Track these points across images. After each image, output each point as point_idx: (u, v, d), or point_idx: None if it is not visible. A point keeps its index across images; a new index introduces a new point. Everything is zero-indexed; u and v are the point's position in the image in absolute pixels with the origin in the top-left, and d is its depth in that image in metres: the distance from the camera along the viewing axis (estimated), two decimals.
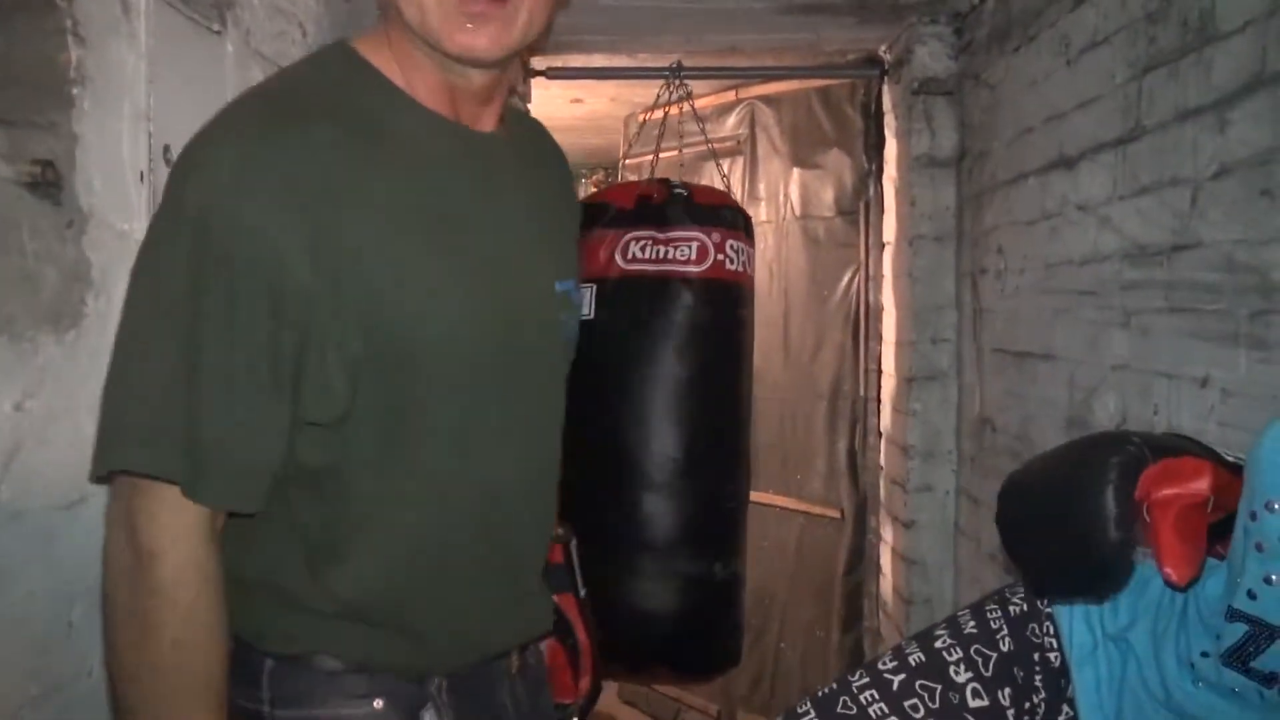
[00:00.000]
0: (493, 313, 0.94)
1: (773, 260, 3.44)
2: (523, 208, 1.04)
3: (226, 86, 1.38)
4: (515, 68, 1.30)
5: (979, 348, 2.44)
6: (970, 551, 2.52)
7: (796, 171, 3.40)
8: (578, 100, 3.93)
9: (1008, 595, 0.98)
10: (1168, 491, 0.76)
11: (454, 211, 0.93)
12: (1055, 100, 1.94)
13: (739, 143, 3.58)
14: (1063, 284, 1.90)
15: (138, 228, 1.14)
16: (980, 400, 2.43)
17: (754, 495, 2.59)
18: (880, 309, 3.00)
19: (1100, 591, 0.86)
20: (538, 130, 1.25)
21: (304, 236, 0.80)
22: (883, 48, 2.91)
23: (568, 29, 2.78)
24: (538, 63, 3.06)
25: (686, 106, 2.83)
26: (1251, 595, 0.75)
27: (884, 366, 2.97)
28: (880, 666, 0.97)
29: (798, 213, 3.40)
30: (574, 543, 1.27)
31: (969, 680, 0.93)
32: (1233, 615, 0.76)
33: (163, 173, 1.18)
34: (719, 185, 3.41)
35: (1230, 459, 0.82)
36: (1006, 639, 0.95)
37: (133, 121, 1.13)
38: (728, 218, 2.25)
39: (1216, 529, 0.79)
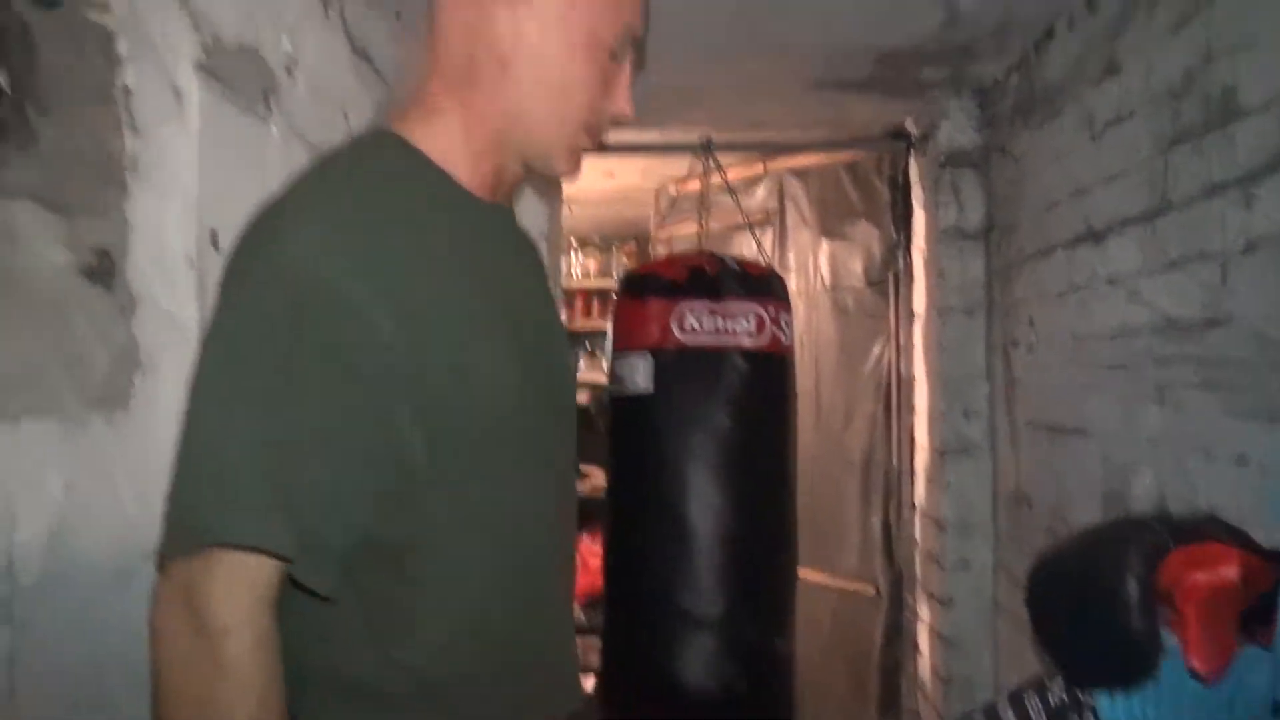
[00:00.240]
0: (537, 386, 0.96)
1: (803, 331, 3.45)
2: (535, 279, 1.10)
3: (271, 170, 1.43)
4: None
5: (1012, 420, 2.42)
6: (1010, 629, 2.46)
7: (825, 243, 3.43)
8: (609, 174, 4.02)
9: (1047, 684, 0.96)
10: (1194, 579, 0.75)
11: (501, 286, 0.97)
12: (1081, 174, 1.96)
13: (768, 214, 3.63)
14: (1094, 357, 1.90)
15: (185, 309, 1.18)
16: (1015, 474, 2.40)
17: None
18: (911, 380, 2.99)
19: (1129, 679, 0.84)
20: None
21: (390, 308, 0.82)
22: (908, 121, 2.95)
23: None
24: None
25: (716, 179, 2.88)
26: None
27: (916, 438, 2.95)
28: None
29: (827, 283, 3.42)
30: None
31: None
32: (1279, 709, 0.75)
33: (210, 255, 1.23)
34: (751, 255, 3.47)
35: (1266, 547, 0.80)
36: None
37: (183, 207, 1.18)
38: (778, 290, 2.28)
39: (1251, 615, 0.77)
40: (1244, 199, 1.39)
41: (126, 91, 1.06)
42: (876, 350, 3.23)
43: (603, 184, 4.19)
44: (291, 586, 0.81)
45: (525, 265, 1.09)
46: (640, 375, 2.11)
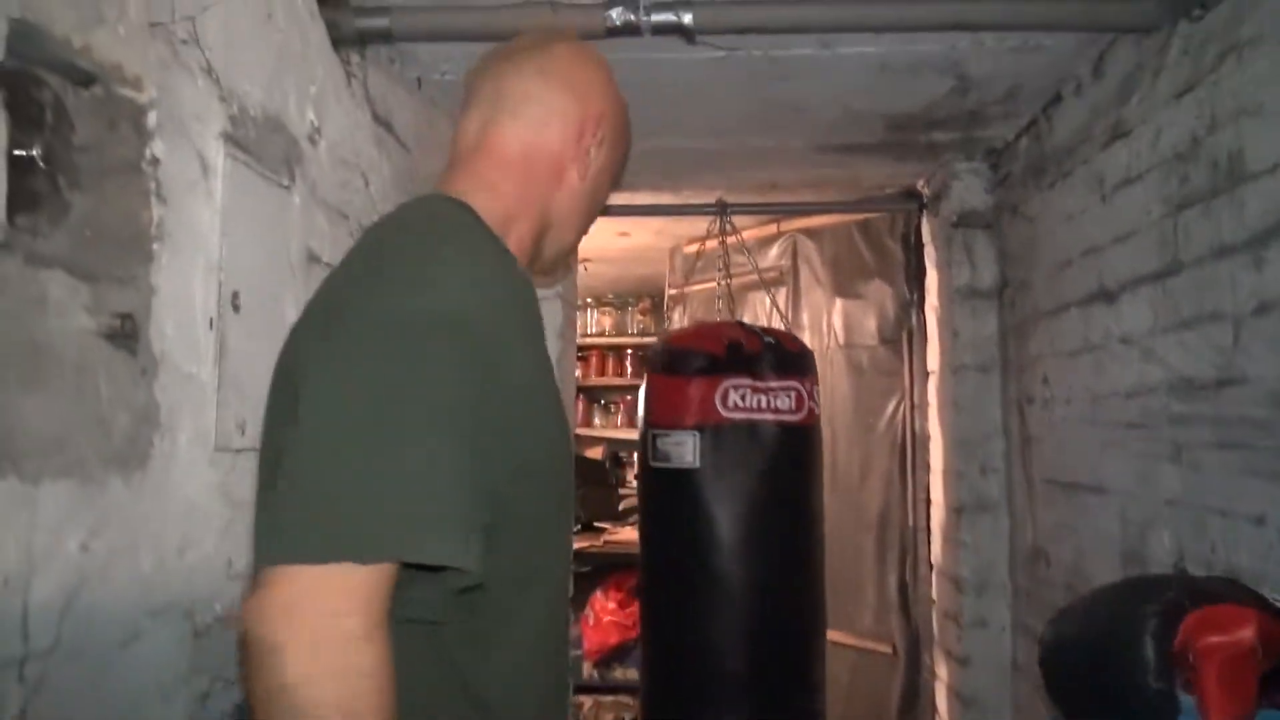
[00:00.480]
0: (567, 440, 1.07)
1: None
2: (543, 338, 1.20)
3: (292, 235, 1.47)
4: None
5: (1029, 478, 2.40)
6: (1029, 689, 2.41)
7: (839, 301, 3.45)
8: (624, 234, 4.07)
9: None
10: (1212, 640, 0.74)
11: (542, 344, 1.07)
12: (1093, 234, 1.98)
13: (782, 273, 3.66)
14: (1110, 415, 1.89)
15: (204, 370, 1.20)
16: (1033, 532, 2.38)
17: None
18: (927, 437, 2.98)
19: None
20: None
21: (509, 353, 0.90)
22: (920, 182, 2.99)
23: None
24: None
25: (730, 239, 2.91)
26: None
27: (932, 496, 2.93)
28: None
29: (841, 341, 3.43)
30: None
31: None
32: None
33: (231, 318, 1.26)
34: (764, 313, 3.49)
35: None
36: None
37: (205, 272, 1.21)
38: (811, 365, 2.40)
39: (1269, 678, 0.76)
40: (1254, 261, 1.40)
41: (155, 162, 1.10)
42: (891, 408, 3.23)
43: (618, 243, 4.24)
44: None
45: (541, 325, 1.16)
46: (688, 451, 2.23)
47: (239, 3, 1.30)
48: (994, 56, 1.98)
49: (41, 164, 0.92)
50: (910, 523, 3.10)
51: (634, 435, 5.44)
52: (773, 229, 3.70)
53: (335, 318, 0.88)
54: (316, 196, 1.55)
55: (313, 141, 1.53)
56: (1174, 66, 1.64)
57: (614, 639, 3.65)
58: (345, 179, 1.66)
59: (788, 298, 3.62)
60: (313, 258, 1.52)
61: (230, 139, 1.26)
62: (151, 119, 1.09)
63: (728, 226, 2.92)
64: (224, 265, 1.25)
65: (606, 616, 3.72)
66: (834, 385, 3.43)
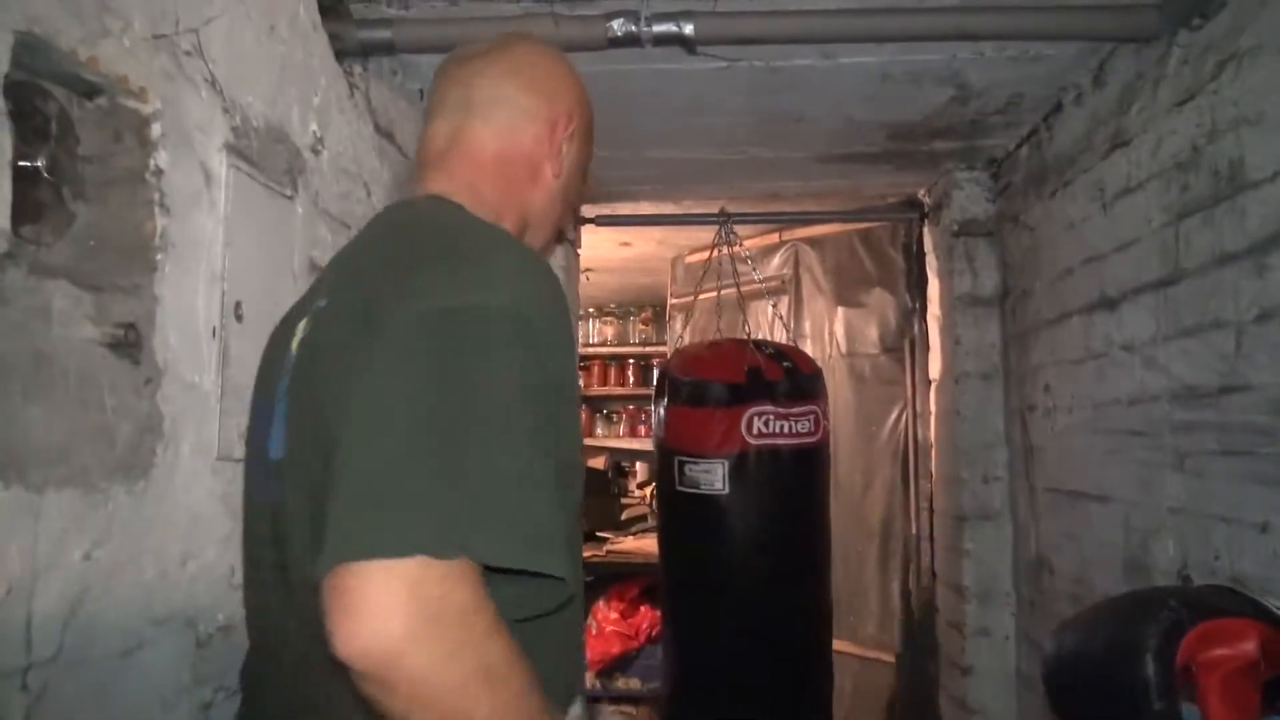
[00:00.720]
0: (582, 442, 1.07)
1: None
2: None
3: (295, 245, 1.47)
4: None
5: (1031, 486, 2.40)
6: (1032, 698, 2.41)
7: (841, 310, 3.45)
8: (626, 243, 4.07)
9: None
10: (1214, 654, 0.74)
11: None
12: (1094, 243, 1.98)
13: (783, 282, 3.66)
14: (1113, 423, 1.89)
15: (206, 380, 1.20)
16: (1035, 540, 2.37)
17: None
18: (929, 446, 2.98)
19: None
20: None
21: (560, 352, 0.90)
22: (921, 191, 2.99)
23: (618, 179, 2.92)
24: (589, 210, 3.20)
25: (732, 248, 2.92)
26: None
27: (935, 504, 2.93)
28: None
29: (843, 350, 3.43)
30: None
31: None
32: None
33: (234, 328, 1.26)
34: (766, 323, 3.49)
35: None
36: None
37: (208, 282, 1.21)
38: (824, 386, 2.53)
39: (1272, 688, 0.76)
40: (1256, 269, 1.40)
41: (159, 173, 1.10)
42: (893, 417, 3.23)
43: (620, 253, 4.24)
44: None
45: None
46: (717, 479, 2.35)
47: (242, 15, 1.31)
48: (994, 66, 1.99)
49: (46, 175, 0.93)
50: (913, 531, 3.10)
51: (635, 445, 5.46)
52: (774, 238, 3.71)
53: (391, 317, 0.83)
54: (319, 207, 1.55)
55: (315, 152, 1.54)
56: (1174, 76, 1.65)
57: (616, 649, 3.64)
58: (347, 189, 1.67)
59: (790, 307, 3.63)
60: (315, 267, 1.52)
61: (233, 150, 1.27)
62: (155, 130, 1.10)
63: (730, 236, 2.92)
64: (227, 275, 1.25)
65: (609, 626, 3.71)
66: (836, 394, 3.42)
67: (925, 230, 3.00)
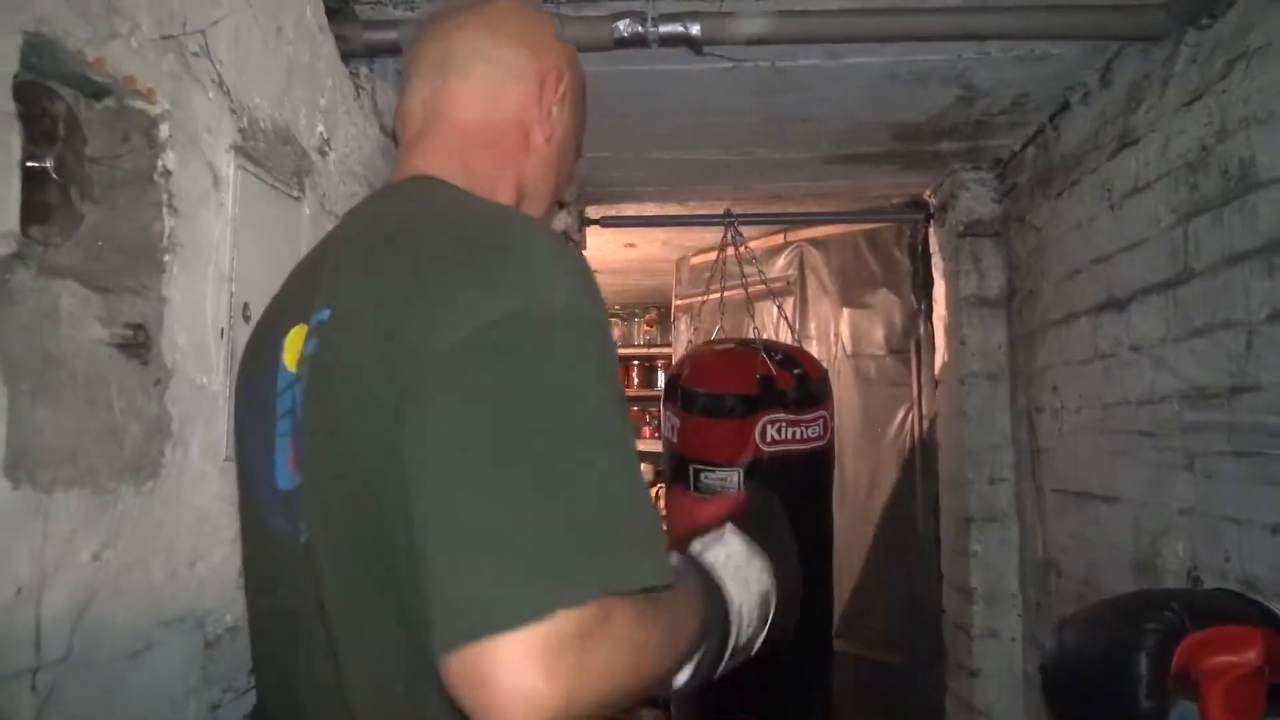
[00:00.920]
0: None
1: None
2: None
3: (302, 246, 1.47)
4: None
5: (1038, 488, 2.39)
6: (1040, 700, 2.40)
7: (846, 311, 3.45)
8: (631, 244, 4.07)
9: None
10: (1217, 662, 0.74)
11: None
12: (1101, 243, 1.97)
13: (789, 283, 3.66)
14: (1121, 424, 1.88)
15: (215, 380, 1.20)
16: (1043, 542, 2.37)
17: None
18: (935, 447, 2.97)
19: None
20: None
21: (613, 352, 0.83)
22: (927, 192, 2.99)
23: (622, 180, 2.92)
24: (593, 212, 3.19)
25: (737, 249, 2.92)
26: None
27: (941, 505, 2.92)
28: None
29: (849, 351, 3.43)
30: None
31: None
32: None
33: (242, 329, 1.26)
34: (771, 324, 3.49)
35: None
36: None
37: (216, 283, 1.21)
38: (830, 389, 2.58)
39: (1276, 693, 0.76)
40: (1266, 268, 1.39)
41: (167, 174, 1.10)
42: (899, 418, 3.22)
43: (624, 254, 4.24)
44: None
45: None
46: (731, 486, 2.42)
47: (249, 16, 1.31)
48: (1000, 66, 1.99)
49: (55, 175, 0.93)
50: (919, 533, 3.09)
51: (641, 446, 5.44)
52: (779, 239, 3.71)
53: (427, 340, 0.72)
54: (326, 208, 1.55)
55: (322, 153, 1.54)
56: (1182, 75, 1.64)
57: None
58: (354, 190, 1.67)
59: (795, 308, 3.62)
60: None
61: (241, 151, 1.27)
62: (163, 131, 1.10)
63: (735, 237, 2.92)
64: (235, 276, 1.25)
65: None
66: (842, 395, 3.42)
67: (931, 231, 2.99)
